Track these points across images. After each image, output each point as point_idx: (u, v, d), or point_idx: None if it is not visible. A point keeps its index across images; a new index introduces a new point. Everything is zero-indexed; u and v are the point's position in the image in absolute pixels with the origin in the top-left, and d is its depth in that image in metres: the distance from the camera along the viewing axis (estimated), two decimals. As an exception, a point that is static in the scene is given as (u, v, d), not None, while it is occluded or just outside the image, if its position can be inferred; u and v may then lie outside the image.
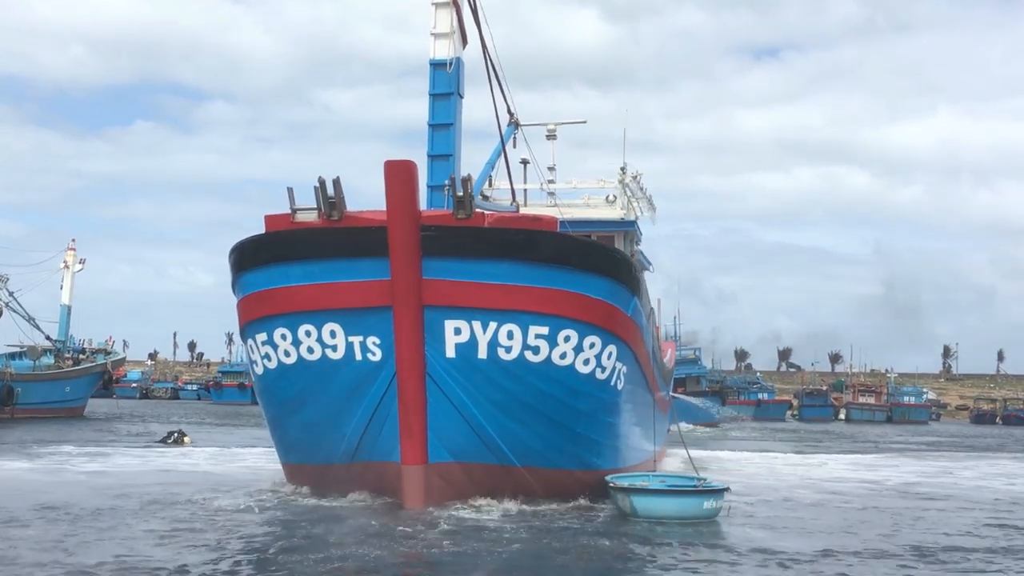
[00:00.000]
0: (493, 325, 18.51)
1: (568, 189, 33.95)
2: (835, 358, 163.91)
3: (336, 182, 18.19)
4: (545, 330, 18.74)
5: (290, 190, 18.82)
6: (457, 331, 18.48)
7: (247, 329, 20.46)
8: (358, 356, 18.80)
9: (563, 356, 19.03)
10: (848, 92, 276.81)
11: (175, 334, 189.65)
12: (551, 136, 34.84)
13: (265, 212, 19.20)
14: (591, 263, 19.30)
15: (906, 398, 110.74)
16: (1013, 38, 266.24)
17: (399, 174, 17.67)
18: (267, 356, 19.94)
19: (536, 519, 17.88)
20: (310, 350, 19.15)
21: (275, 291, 19.24)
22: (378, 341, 18.61)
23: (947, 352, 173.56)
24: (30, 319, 67.37)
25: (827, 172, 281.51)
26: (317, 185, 18.24)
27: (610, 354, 19.84)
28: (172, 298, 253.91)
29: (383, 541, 15.23)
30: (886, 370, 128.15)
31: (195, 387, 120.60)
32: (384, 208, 18.11)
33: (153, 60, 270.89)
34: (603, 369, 19.81)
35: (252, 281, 19.80)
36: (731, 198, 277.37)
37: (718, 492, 18.74)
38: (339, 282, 18.49)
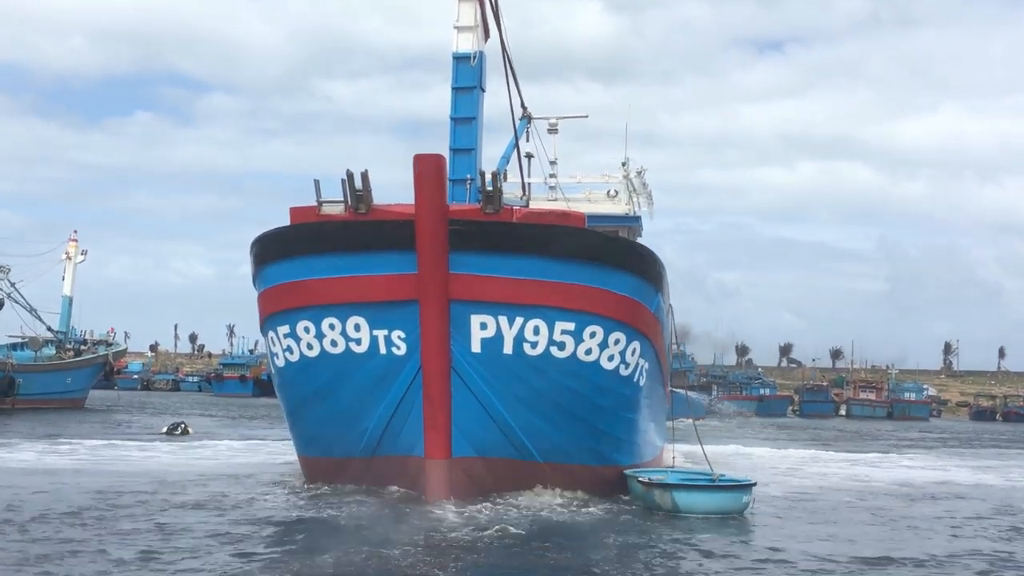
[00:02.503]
0: (519, 320, 18.46)
1: (572, 183, 33.95)
2: (836, 354, 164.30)
3: (364, 175, 18.10)
4: (571, 326, 18.69)
5: (317, 182, 18.75)
6: (483, 326, 18.42)
7: (269, 321, 20.34)
8: (382, 350, 18.72)
9: (588, 352, 18.99)
10: (852, 87, 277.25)
11: (176, 326, 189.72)
12: (553, 130, 34.78)
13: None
14: (619, 259, 19.29)
15: (907, 394, 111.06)
16: (1018, 33, 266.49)
17: (428, 168, 17.58)
18: (289, 349, 19.83)
19: (562, 514, 17.80)
20: (334, 343, 19.06)
21: (299, 284, 19.13)
22: (403, 335, 18.53)
23: (948, 348, 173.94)
24: (32, 310, 67.35)
25: (830, 167, 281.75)
26: (344, 178, 18.12)
27: (634, 351, 19.83)
28: (173, 290, 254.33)
29: (405, 536, 15.06)
30: (887, 366, 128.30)
31: (196, 379, 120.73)
32: (404, 200, 18.10)
33: (153, 50, 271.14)
34: (627, 365, 19.80)
35: (276, 273, 19.69)
36: (733, 193, 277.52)
37: (751, 487, 18.99)
38: (365, 275, 18.40)
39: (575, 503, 18.93)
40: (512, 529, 15.83)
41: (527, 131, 33.01)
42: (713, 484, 19.24)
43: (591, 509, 18.49)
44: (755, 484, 19.34)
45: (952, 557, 15.40)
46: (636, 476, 19.77)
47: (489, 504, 18.13)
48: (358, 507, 17.84)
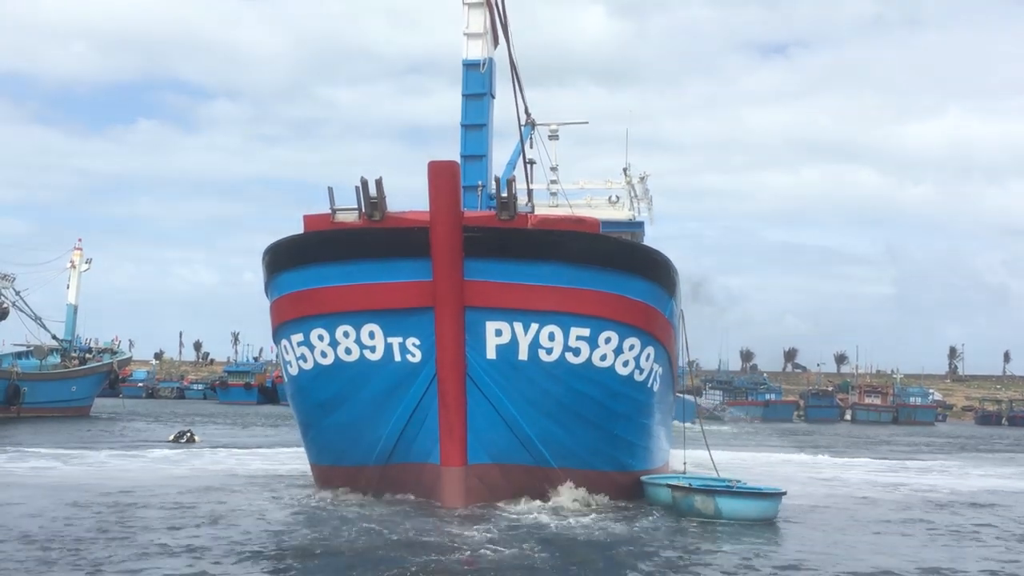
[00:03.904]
0: (535, 326, 18.45)
1: (576, 189, 34.09)
2: (841, 358, 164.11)
3: (378, 183, 18.11)
4: (586, 331, 18.68)
5: (330, 190, 18.81)
6: (498, 332, 18.40)
7: (282, 330, 20.31)
8: (397, 357, 18.69)
9: (603, 358, 18.97)
10: (857, 90, 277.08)
11: (181, 333, 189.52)
12: (553, 136, 35.00)
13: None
14: (633, 265, 19.29)
15: (912, 399, 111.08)
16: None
17: (443, 175, 17.59)
18: (303, 357, 19.80)
19: (587, 524, 17.46)
20: (348, 351, 19.03)
21: (313, 291, 19.11)
22: (418, 342, 18.50)
23: (953, 353, 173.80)
24: (37, 318, 67.66)
25: (836, 171, 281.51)
26: (359, 185, 18.13)
27: (648, 356, 19.83)
28: (177, 297, 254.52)
29: (425, 545, 14.70)
30: (892, 371, 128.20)
31: (201, 387, 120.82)
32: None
33: (155, 57, 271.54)
34: (641, 371, 19.79)
35: (289, 281, 19.67)
36: (738, 197, 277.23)
37: (783, 493, 19.24)
38: (380, 283, 18.38)
39: (595, 511, 18.74)
40: (534, 544, 15.07)
41: (530, 137, 33.10)
42: (758, 491, 19.36)
43: (614, 516, 18.23)
44: (785, 492, 19.44)
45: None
46: (666, 482, 19.76)
47: (504, 513, 17.91)
48: (364, 519, 17.23)
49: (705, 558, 14.84)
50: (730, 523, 17.97)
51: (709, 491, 18.68)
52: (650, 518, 18.29)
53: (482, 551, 14.41)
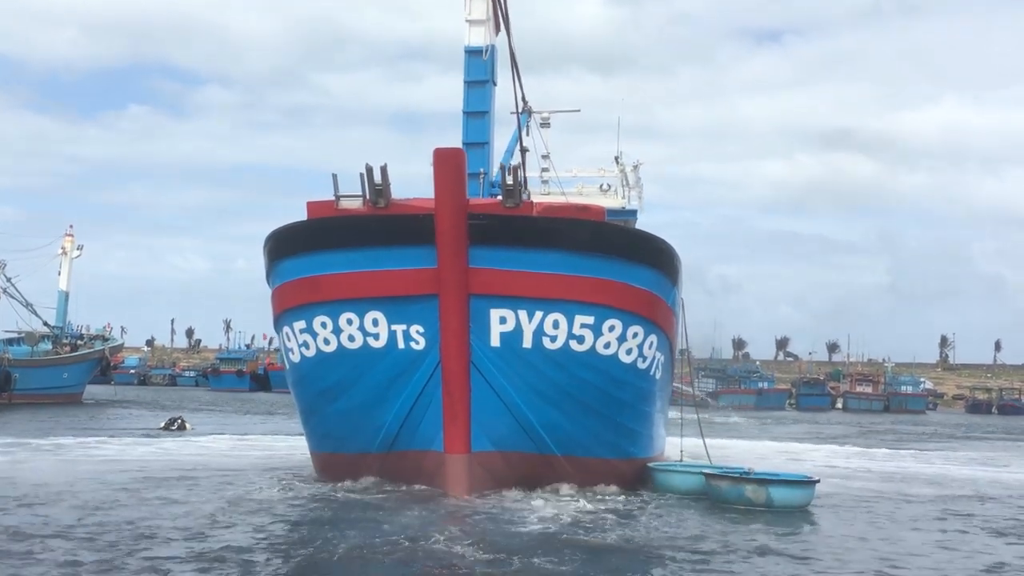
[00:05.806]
0: (539, 314, 18.46)
1: (568, 177, 34.16)
2: (832, 347, 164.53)
3: (383, 169, 18.04)
4: (591, 319, 18.70)
5: (335, 177, 18.74)
6: (503, 320, 18.41)
7: (284, 317, 20.24)
8: (401, 345, 18.66)
9: (607, 346, 19.00)
10: (853, 78, 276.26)
11: (172, 320, 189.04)
12: (545, 124, 35.07)
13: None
14: (638, 253, 19.34)
15: (903, 387, 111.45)
16: (1021, 24, 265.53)
17: (448, 162, 17.56)
18: (305, 344, 19.74)
19: (609, 509, 17.44)
20: (351, 338, 18.97)
21: (317, 278, 19.06)
22: (422, 330, 18.47)
23: (944, 342, 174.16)
24: (28, 305, 67.48)
25: (830, 159, 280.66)
26: (363, 172, 18.05)
27: (651, 344, 19.86)
28: (170, 284, 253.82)
29: (427, 541, 14.12)
30: (883, 359, 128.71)
31: (193, 374, 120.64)
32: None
33: (147, 42, 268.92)
34: (644, 359, 19.83)
35: (292, 268, 19.60)
36: (732, 186, 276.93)
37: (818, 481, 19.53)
38: (384, 270, 18.36)
39: (611, 499, 18.65)
40: (554, 541, 14.42)
41: (527, 125, 33.17)
42: (801, 479, 19.57)
43: (635, 507, 18.07)
44: (819, 480, 19.62)
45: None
46: (702, 470, 19.96)
47: (513, 505, 17.64)
48: (363, 511, 16.84)
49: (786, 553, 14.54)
50: (770, 510, 17.97)
51: (760, 481, 18.79)
52: (677, 507, 18.20)
53: (489, 549, 13.78)
